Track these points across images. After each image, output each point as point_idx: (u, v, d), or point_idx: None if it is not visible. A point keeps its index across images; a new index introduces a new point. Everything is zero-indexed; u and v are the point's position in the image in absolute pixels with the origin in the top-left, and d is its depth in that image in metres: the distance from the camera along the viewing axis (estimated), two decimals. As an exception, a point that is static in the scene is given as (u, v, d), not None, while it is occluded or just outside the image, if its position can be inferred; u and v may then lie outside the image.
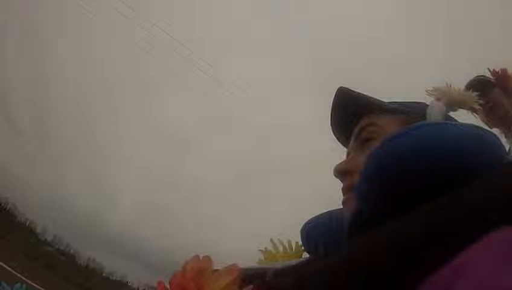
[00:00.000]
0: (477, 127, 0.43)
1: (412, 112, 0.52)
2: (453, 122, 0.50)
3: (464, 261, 0.27)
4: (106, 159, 12.10)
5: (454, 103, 0.54)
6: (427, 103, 0.54)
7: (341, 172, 0.52)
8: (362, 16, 9.28)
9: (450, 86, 0.55)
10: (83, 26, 10.65)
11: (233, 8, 10.09)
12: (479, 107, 0.56)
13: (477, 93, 0.57)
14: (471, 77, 1.69)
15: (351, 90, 0.55)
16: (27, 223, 11.87)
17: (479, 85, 1.54)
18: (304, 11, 9.44)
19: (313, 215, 0.60)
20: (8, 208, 11.53)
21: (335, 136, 0.60)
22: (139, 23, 9.88)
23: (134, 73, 11.37)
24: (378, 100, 0.54)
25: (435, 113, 0.51)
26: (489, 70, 1.65)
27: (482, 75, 1.67)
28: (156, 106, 11.69)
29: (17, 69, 11.24)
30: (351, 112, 0.54)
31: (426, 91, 0.56)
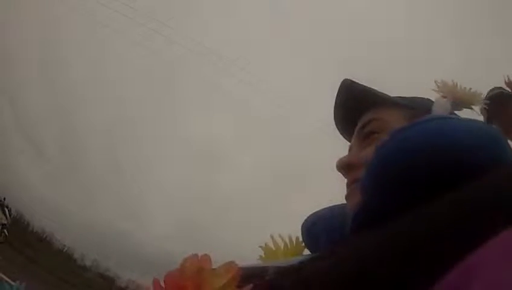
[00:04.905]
0: (483, 123, 0.43)
1: (416, 107, 0.51)
2: (461, 118, 0.50)
3: (477, 261, 0.26)
4: (136, 181, 12.15)
5: (459, 101, 0.54)
6: (432, 100, 0.54)
7: (344, 166, 0.51)
8: (385, 15, 9.30)
9: (456, 84, 0.55)
10: (103, 45, 10.69)
11: (253, 22, 10.08)
12: (484, 107, 0.56)
13: (488, 101, 0.57)
14: (488, 76, 1.66)
15: (355, 82, 0.54)
16: (65, 250, 12.03)
17: (497, 100, 1.53)
18: (328, 10, 9.44)
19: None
20: (45, 236, 11.69)
21: (338, 130, 0.59)
22: (161, 40, 9.87)
23: (159, 91, 11.40)
24: (383, 94, 0.53)
25: (439, 110, 0.51)
26: (505, 81, 1.62)
27: (500, 87, 1.65)
28: (182, 123, 11.72)
29: (39, 90, 11.30)
30: (354, 106, 0.54)
31: (435, 82, 0.55)
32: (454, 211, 0.32)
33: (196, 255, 0.38)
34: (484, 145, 0.39)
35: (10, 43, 10.45)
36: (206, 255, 0.38)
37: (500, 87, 1.64)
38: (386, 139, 0.42)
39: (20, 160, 11.40)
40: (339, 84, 0.55)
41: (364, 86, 0.53)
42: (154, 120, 11.87)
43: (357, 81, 0.54)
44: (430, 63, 8.73)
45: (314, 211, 0.59)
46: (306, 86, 10.34)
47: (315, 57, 10.31)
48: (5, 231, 8.61)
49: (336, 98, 0.56)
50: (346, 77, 0.55)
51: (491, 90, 1.64)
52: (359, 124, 0.53)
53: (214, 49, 10.06)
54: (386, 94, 0.53)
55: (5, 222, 8.68)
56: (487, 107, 1.52)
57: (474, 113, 0.57)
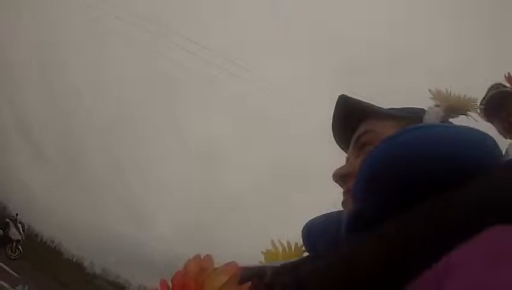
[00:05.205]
0: (473, 129, 0.44)
1: (409, 117, 0.53)
2: (449, 124, 0.51)
3: (454, 260, 0.28)
4: (139, 184, 12.03)
5: (452, 109, 0.55)
6: (425, 109, 0.55)
7: (340, 177, 0.53)
8: (385, 15, 9.22)
9: (450, 92, 0.56)
10: (102, 46, 10.62)
11: (253, 23, 10.00)
12: (477, 112, 0.57)
13: (483, 104, 0.58)
14: (488, 76, 1.66)
15: (350, 97, 0.56)
16: (74, 259, 12.04)
17: (498, 98, 1.55)
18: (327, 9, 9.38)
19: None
20: (54, 246, 11.74)
21: (336, 142, 0.61)
22: (161, 41, 9.79)
23: (159, 91, 11.30)
24: (377, 107, 0.55)
25: (431, 119, 0.52)
26: (505, 76, 1.63)
27: (499, 84, 1.65)
28: (182, 124, 11.62)
29: (38, 92, 11.23)
30: (350, 119, 0.56)
31: (429, 90, 0.57)
32: (442, 214, 0.34)
33: (199, 255, 0.39)
34: (471, 151, 0.41)
35: (8, 45, 10.41)
36: (208, 255, 0.39)
37: (500, 84, 1.65)
38: (373, 148, 0.44)
39: (23, 166, 11.35)
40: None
41: (359, 100, 0.56)
42: (154, 121, 11.79)
43: (352, 94, 0.56)
44: (430, 63, 8.70)
45: (313, 217, 0.61)
46: (307, 86, 10.30)
47: (315, 57, 10.27)
48: (20, 247, 8.73)
49: (333, 112, 0.58)
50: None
51: (491, 88, 1.64)
52: (354, 136, 0.55)
53: (213, 49, 10.03)
54: (379, 107, 0.55)
55: (19, 238, 8.82)
56: (485, 108, 1.51)
57: (470, 118, 0.58)
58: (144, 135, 11.79)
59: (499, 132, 1.59)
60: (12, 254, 8.55)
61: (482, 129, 0.45)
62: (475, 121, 0.59)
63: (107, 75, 11.21)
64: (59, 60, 10.93)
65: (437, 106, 0.54)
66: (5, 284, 6.07)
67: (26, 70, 10.86)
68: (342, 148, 0.60)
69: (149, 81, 11.25)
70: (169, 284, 0.37)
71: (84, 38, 10.65)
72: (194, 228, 11.16)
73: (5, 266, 7.51)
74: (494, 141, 0.44)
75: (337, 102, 0.57)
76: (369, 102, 0.56)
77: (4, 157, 10.92)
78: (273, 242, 0.64)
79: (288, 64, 10.41)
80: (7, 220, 8.91)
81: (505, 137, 1.60)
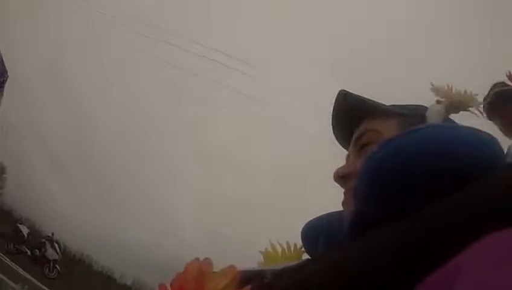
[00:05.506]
0: (475, 129, 0.43)
1: (411, 114, 0.52)
2: (452, 125, 0.51)
3: (462, 262, 0.28)
4: (162, 195, 12.10)
5: (454, 106, 0.54)
6: (427, 106, 0.54)
7: (341, 177, 0.52)
8: (385, 15, 9.22)
9: (451, 88, 0.55)
10: (107, 50, 10.66)
11: (254, 24, 10.02)
12: (479, 108, 0.57)
13: (488, 100, 0.57)
14: (487, 76, 1.66)
15: (351, 93, 0.55)
16: (104, 272, 12.06)
17: (502, 96, 1.54)
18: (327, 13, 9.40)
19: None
20: (84, 259, 11.76)
21: (336, 139, 0.60)
22: (164, 40, 9.79)
23: (161, 92, 11.33)
24: (378, 103, 0.54)
25: (433, 116, 0.51)
26: (507, 74, 1.62)
27: (502, 82, 1.65)
28: (200, 129, 11.65)
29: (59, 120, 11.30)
30: (351, 116, 0.55)
31: (431, 85, 0.56)
32: (445, 216, 0.33)
33: (198, 259, 0.39)
34: (474, 151, 0.40)
35: (22, 67, 10.46)
36: (207, 258, 0.39)
37: (503, 83, 1.64)
38: (375, 149, 0.43)
39: (47, 185, 11.48)
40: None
41: (360, 96, 0.54)
42: (156, 121, 11.83)
43: (352, 91, 0.55)
44: (430, 63, 8.71)
45: (313, 218, 0.61)
46: (308, 86, 10.29)
47: (316, 57, 10.27)
48: (57, 266, 8.65)
49: (333, 108, 0.57)
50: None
51: (494, 86, 1.64)
52: (355, 135, 0.54)
53: (216, 50, 10.03)
54: (381, 104, 0.54)
55: (56, 257, 8.73)
56: (488, 106, 1.51)
57: (472, 115, 0.57)
58: (149, 136, 11.83)
59: (500, 129, 1.59)
60: (50, 274, 8.46)
61: (481, 125, 0.45)
62: (477, 117, 0.58)
63: (110, 77, 11.26)
64: (73, 82, 11.01)
65: (438, 102, 0.54)
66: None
67: (44, 97, 10.95)
68: (342, 145, 0.59)
69: (152, 83, 11.29)
70: (169, 288, 0.37)
71: (85, 41, 10.70)
72: (221, 237, 11.19)
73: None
74: (497, 142, 0.44)
75: (336, 98, 0.56)
76: (370, 98, 0.54)
77: (30, 177, 11.01)
78: (271, 243, 0.63)
79: (290, 65, 10.39)
80: (43, 240, 8.87)
81: (507, 135, 1.59)
